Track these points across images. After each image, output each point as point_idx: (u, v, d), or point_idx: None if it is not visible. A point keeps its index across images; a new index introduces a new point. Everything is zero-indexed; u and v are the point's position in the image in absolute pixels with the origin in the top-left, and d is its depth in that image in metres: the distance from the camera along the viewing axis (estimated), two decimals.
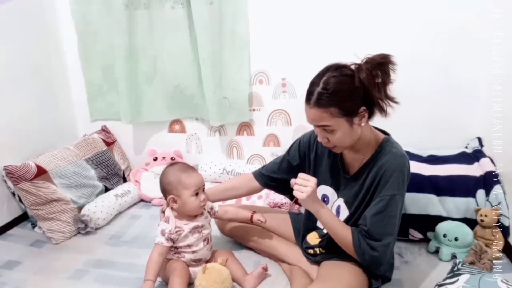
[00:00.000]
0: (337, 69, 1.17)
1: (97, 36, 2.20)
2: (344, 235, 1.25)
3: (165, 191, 1.40)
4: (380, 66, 1.14)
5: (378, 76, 1.14)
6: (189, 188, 1.36)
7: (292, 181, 1.26)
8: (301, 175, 1.26)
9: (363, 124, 1.20)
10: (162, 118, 2.30)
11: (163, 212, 1.43)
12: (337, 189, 1.38)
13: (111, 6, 2.06)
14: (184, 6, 2.03)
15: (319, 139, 1.25)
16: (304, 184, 1.23)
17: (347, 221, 1.32)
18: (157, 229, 1.38)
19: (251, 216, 1.54)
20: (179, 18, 2.05)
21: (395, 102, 1.18)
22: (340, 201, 1.36)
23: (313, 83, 1.18)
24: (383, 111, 1.20)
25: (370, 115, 1.22)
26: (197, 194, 1.38)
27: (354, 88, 1.15)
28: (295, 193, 1.25)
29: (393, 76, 1.16)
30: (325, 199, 1.42)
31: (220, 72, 2.08)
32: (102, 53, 2.22)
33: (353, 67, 1.17)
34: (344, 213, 1.34)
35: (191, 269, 1.43)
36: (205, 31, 1.97)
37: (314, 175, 1.41)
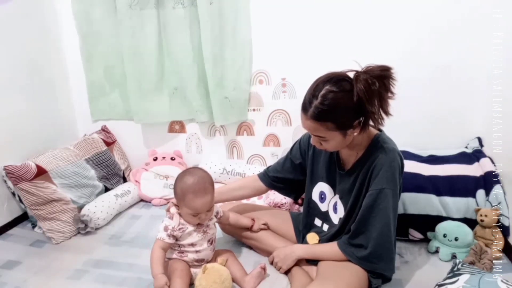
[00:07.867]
0: (336, 82, 1.15)
1: (99, 36, 2.19)
2: (335, 250, 1.32)
3: (174, 193, 1.39)
4: (379, 78, 1.12)
5: (375, 88, 1.12)
6: (189, 209, 1.34)
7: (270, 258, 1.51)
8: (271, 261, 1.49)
9: (355, 134, 1.21)
10: (166, 118, 2.30)
11: (169, 210, 1.43)
12: (333, 185, 1.40)
13: (114, 6, 2.06)
14: (184, 6, 2.02)
15: (312, 142, 1.30)
16: (279, 262, 1.44)
17: (344, 218, 1.35)
18: (161, 225, 1.38)
19: (251, 226, 1.57)
20: (180, 18, 2.04)
21: (388, 115, 1.17)
22: (336, 198, 1.39)
23: (311, 94, 1.17)
24: (376, 123, 1.19)
25: (365, 125, 1.21)
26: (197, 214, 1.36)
27: (352, 104, 1.14)
28: (278, 267, 1.46)
29: (394, 90, 1.15)
30: (323, 196, 1.44)
31: (222, 71, 2.08)
32: (104, 53, 2.22)
33: (352, 75, 1.16)
34: (341, 209, 1.37)
35: (193, 270, 1.43)
36: (206, 31, 1.97)
37: (312, 172, 1.47)
